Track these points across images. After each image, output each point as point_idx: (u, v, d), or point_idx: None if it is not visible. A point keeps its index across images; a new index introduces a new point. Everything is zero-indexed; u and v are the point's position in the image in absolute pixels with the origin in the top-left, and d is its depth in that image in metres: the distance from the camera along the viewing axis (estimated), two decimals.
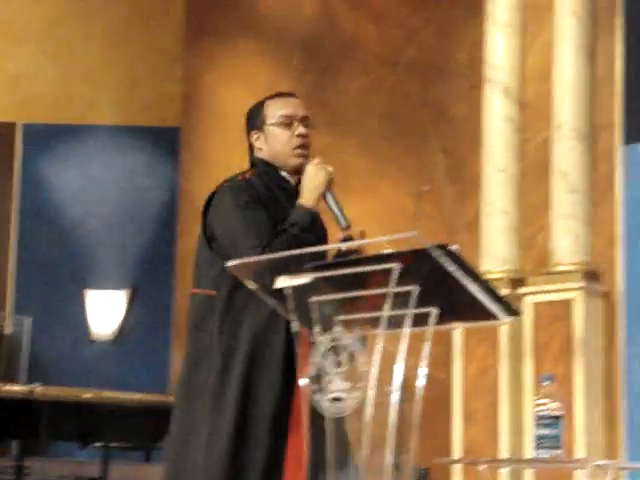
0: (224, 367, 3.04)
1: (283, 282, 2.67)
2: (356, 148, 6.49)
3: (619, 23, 5.65)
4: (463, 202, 6.22)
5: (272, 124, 3.18)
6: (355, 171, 6.46)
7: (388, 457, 2.50)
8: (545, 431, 2.41)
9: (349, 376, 2.59)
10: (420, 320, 2.56)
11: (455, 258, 2.47)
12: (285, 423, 2.99)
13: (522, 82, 5.83)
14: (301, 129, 3.18)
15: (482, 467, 2.67)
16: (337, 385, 2.60)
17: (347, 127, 6.54)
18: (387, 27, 6.69)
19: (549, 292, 5.38)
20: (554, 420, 2.40)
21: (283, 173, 3.20)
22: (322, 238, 3.17)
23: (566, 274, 5.36)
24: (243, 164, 7.61)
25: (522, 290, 5.47)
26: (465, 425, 5.53)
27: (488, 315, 2.59)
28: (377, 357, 2.56)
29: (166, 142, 7.79)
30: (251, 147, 3.26)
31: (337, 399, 2.60)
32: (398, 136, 6.39)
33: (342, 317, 2.60)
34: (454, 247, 2.47)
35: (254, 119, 3.24)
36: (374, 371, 2.55)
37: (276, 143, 3.18)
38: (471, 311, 2.60)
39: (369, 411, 2.53)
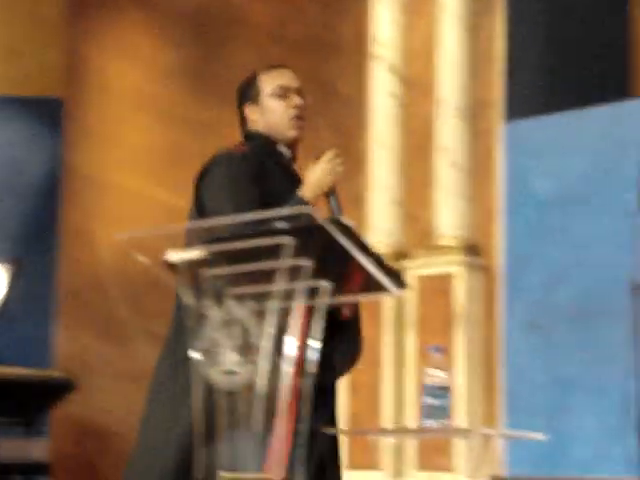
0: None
1: (176, 256, 2.67)
2: None
3: (501, 2, 5.77)
4: (350, 177, 6.27)
5: (268, 95, 3.13)
6: None
7: (281, 428, 2.53)
8: (433, 401, 2.47)
9: (242, 349, 2.61)
10: (313, 294, 2.61)
11: (348, 232, 2.52)
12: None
13: (407, 59, 5.92)
14: (297, 100, 3.12)
15: (371, 437, 2.73)
16: (230, 358, 2.62)
17: (234, 101, 6.52)
18: (274, 2, 6.68)
19: (432, 266, 5.49)
20: (442, 390, 2.46)
21: (280, 147, 3.12)
22: None
23: (448, 248, 5.48)
24: (130, 135, 7.47)
25: (406, 264, 5.57)
26: (349, 396, 5.61)
27: (379, 288, 2.65)
28: (270, 330, 2.59)
29: (48, 113, 7.64)
30: (243, 120, 3.19)
31: (230, 372, 2.62)
32: None
33: (235, 290, 2.62)
34: (348, 222, 2.52)
35: (247, 92, 3.18)
36: (267, 344, 2.58)
37: (272, 115, 3.11)
38: (363, 284, 2.66)
39: (261, 384, 2.56)
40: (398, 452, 5.27)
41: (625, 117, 5.26)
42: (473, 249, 5.53)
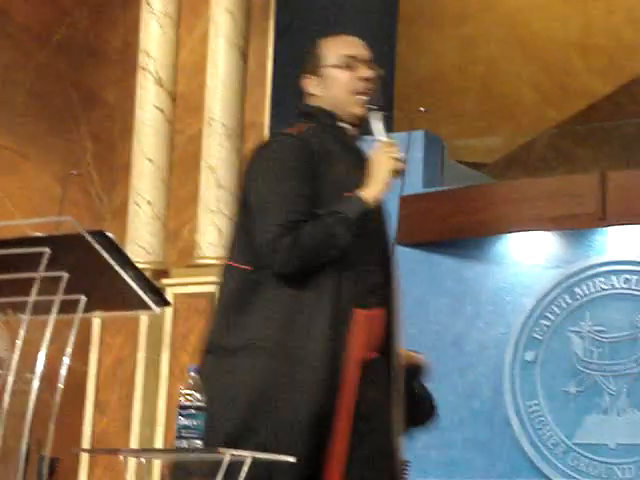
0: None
1: None
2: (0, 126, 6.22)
3: (271, 25, 5.80)
4: (111, 189, 6.13)
5: (331, 65, 2.71)
6: None
7: (23, 447, 2.42)
8: (187, 422, 2.41)
9: None
10: (68, 307, 2.50)
11: (110, 245, 2.43)
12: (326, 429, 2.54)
13: (175, 73, 5.84)
14: (366, 71, 2.70)
15: (122, 457, 2.64)
16: None
17: None
18: (39, 2, 6.45)
19: (190, 284, 5.42)
20: (198, 411, 2.40)
21: (341, 124, 2.72)
22: (380, 227, 2.71)
23: (208, 267, 5.43)
24: None
25: (165, 281, 5.47)
26: (97, 415, 5.45)
27: (139, 304, 2.56)
28: (19, 343, 2.47)
29: None
30: (301, 94, 2.77)
31: None
32: (46, 116, 6.19)
33: None
34: (109, 234, 2.43)
35: (306, 61, 2.76)
36: (15, 358, 2.45)
37: (336, 87, 2.70)
38: (122, 300, 2.57)
39: (6, 399, 2.44)
40: (149, 473, 5.16)
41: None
42: None
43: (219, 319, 2.64)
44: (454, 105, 6.36)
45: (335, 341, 2.53)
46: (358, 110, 2.69)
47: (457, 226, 4.63)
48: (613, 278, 4.39)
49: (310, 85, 2.74)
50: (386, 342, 2.66)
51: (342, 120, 2.71)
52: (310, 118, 2.72)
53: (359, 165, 2.67)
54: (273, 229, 2.51)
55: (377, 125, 2.67)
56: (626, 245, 4.44)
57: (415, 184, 5.00)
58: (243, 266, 2.59)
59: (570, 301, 4.41)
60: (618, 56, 7.22)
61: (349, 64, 2.70)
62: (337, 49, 2.72)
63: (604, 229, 4.39)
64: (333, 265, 2.55)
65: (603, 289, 4.38)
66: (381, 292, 2.65)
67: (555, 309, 4.43)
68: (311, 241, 2.52)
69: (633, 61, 7.14)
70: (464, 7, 6.73)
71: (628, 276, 4.37)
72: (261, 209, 2.57)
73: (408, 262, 4.93)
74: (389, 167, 2.60)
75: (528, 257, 4.53)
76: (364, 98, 2.68)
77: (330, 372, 2.52)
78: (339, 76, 2.70)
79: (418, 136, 5.11)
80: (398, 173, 2.62)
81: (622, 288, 4.37)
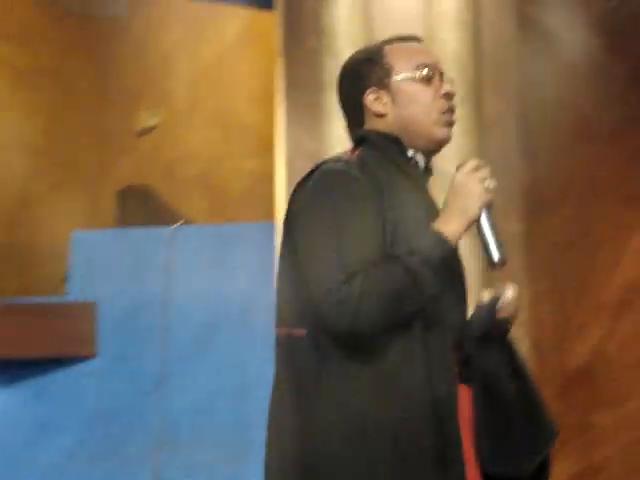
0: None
1: None
2: None
3: None
4: None
5: (406, 78, 2.13)
6: None
7: None
8: None
9: None
10: None
11: None
12: None
13: None
14: (447, 86, 2.14)
15: None
16: None
17: None
18: None
19: None
20: None
21: (410, 152, 2.14)
22: (458, 278, 2.13)
23: None
24: None
25: None
26: None
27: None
28: None
29: None
30: (359, 114, 2.17)
31: None
32: None
33: None
34: None
35: (369, 72, 2.15)
36: None
37: (414, 106, 2.12)
38: None
39: None
40: None
41: None
42: None
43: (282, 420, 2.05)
44: None
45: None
46: (441, 133, 2.14)
47: None
48: None
49: (376, 102, 2.15)
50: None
51: (414, 147, 2.15)
52: (370, 144, 2.14)
53: (430, 208, 2.12)
54: (333, 277, 1.94)
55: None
56: None
57: None
58: (296, 330, 2.02)
59: None
60: None
61: (427, 77, 2.15)
62: (410, 57, 2.16)
63: None
64: (415, 323, 2.00)
65: None
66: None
67: None
68: (387, 288, 1.94)
69: None
70: None
71: None
72: (314, 255, 1.99)
73: None
74: (480, 197, 2.03)
75: None
76: (448, 117, 2.15)
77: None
78: (418, 92, 2.14)
79: None
80: (488, 206, 2.04)
81: None
